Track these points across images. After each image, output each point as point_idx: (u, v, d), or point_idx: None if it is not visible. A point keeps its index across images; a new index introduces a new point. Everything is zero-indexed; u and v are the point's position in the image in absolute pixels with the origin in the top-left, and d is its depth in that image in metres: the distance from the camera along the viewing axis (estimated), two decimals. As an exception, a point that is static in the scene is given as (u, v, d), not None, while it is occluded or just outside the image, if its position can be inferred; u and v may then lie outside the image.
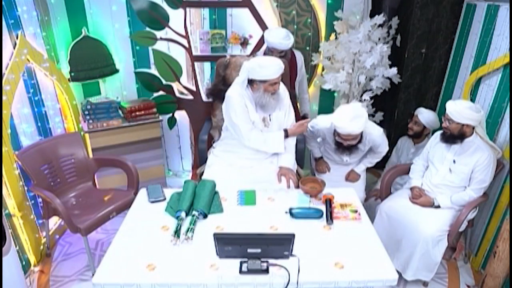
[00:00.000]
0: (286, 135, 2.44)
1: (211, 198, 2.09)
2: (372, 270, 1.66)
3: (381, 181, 2.81)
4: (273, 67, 2.23)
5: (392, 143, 3.38)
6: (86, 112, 2.99)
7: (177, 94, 3.39)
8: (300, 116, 3.28)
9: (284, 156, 2.46)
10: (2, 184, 2.31)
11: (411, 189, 2.56)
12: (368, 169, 2.90)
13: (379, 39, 3.11)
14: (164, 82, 3.30)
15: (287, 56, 2.97)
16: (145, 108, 3.15)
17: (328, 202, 2.04)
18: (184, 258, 1.70)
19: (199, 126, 3.10)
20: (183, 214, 1.95)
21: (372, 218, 2.24)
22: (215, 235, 1.59)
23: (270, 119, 2.43)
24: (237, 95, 2.35)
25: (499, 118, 2.52)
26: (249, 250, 1.61)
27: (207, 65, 3.49)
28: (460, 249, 2.72)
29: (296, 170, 2.58)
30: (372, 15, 3.16)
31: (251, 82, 2.32)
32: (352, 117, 2.36)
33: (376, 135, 2.57)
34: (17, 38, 2.43)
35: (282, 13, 3.30)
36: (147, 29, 3.10)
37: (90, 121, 3.01)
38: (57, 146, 2.72)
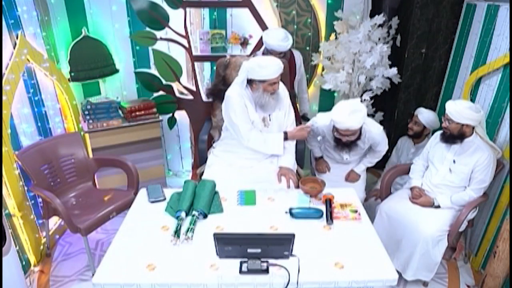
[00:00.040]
0: (286, 137, 2.44)
1: (211, 198, 2.09)
2: (372, 270, 1.66)
3: (381, 181, 2.81)
4: (272, 67, 2.23)
5: (392, 143, 3.38)
6: (86, 112, 2.99)
7: (177, 94, 3.39)
8: (299, 116, 3.29)
9: (284, 156, 2.46)
10: (2, 184, 2.31)
11: (411, 189, 2.56)
12: (368, 169, 2.90)
13: (379, 39, 3.12)
14: (164, 82, 3.30)
15: (287, 56, 2.96)
16: (145, 108, 3.15)
17: (328, 202, 2.04)
18: (184, 258, 1.70)
19: (199, 126, 3.10)
20: (183, 214, 1.95)
21: (372, 218, 2.24)
22: (215, 235, 1.59)
23: (270, 119, 2.42)
24: (236, 95, 2.35)
25: (499, 118, 2.52)
26: (249, 250, 1.61)
27: (207, 65, 3.49)
28: (460, 249, 2.72)
29: (296, 170, 2.57)
30: (372, 15, 3.16)
31: (250, 82, 2.32)
32: (351, 112, 2.35)
33: (376, 132, 2.56)
34: (17, 38, 2.43)
35: (282, 13, 3.30)
36: (147, 29, 3.10)
37: (90, 121, 3.01)
38: (57, 146, 2.72)
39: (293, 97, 3.10)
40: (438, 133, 2.48)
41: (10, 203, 2.42)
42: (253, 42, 3.21)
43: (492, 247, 2.40)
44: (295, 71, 3.18)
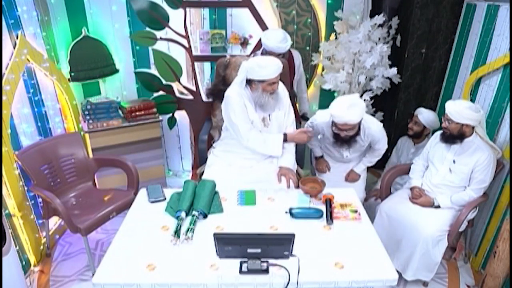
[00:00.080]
0: (285, 139, 2.44)
1: (211, 198, 2.09)
2: (372, 270, 1.66)
3: (381, 181, 2.81)
4: (271, 67, 2.23)
5: (392, 143, 3.38)
6: (86, 112, 2.99)
7: (177, 94, 3.39)
8: (299, 116, 3.28)
9: (284, 156, 2.46)
10: (2, 184, 2.31)
11: (411, 189, 2.56)
12: (368, 169, 2.90)
13: (379, 39, 3.12)
14: (164, 82, 3.30)
15: (286, 56, 2.96)
16: (145, 108, 3.15)
17: (328, 202, 2.04)
18: (184, 258, 1.70)
19: (199, 126, 3.10)
20: (183, 214, 1.95)
21: (372, 218, 2.24)
22: (215, 235, 1.59)
23: (269, 119, 2.42)
24: (236, 95, 2.35)
25: (499, 118, 2.52)
26: (249, 250, 1.61)
27: (207, 65, 3.49)
28: (460, 249, 2.72)
29: (296, 170, 2.57)
30: (372, 15, 3.16)
31: (249, 82, 2.32)
32: (349, 106, 2.34)
33: (375, 129, 2.54)
34: (17, 38, 2.43)
35: (282, 13, 3.30)
36: (147, 29, 3.10)
37: (90, 121, 3.01)
38: (57, 146, 2.72)
39: (293, 97, 3.10)
40: (438, 133, 2.48)
41: (10, 203, 2.42)
42: (253, 42, 3.21)
43: (492, 247, 2.40)
44: (294, 71, 3.18)
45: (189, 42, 3.16)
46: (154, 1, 2.99)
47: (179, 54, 3.26)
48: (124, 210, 2.57)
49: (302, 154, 2.77)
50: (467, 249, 2.78)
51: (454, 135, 2.32)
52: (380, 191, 2.77)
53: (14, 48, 2.41)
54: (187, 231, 1.85)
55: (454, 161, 2.40)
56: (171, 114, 3.48)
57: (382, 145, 2.64)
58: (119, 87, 3.35)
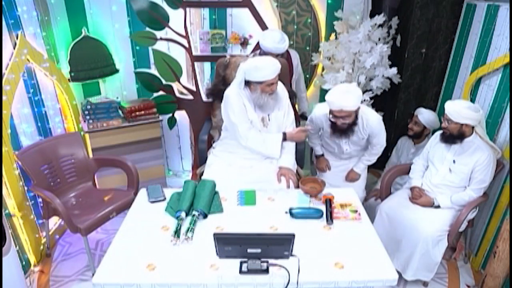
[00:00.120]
0: (285, 138, 2.44)
1: (211, 198, 2.09)
2: (372, 270, 1.66)
3: (381, 181, 2.80)
4: (269, 69, 2.22)
5: (392, 143, 3.38)
6: (86, 112, 2.99)
7: (177, 94, 3.39)
8: (298, 115, 3.28)
9: (284, 156, 2.46)
10: (2, 184, 2.31)
11: (411, 189, 2.56)
12: (368, 169, 2.90)
13: (379, 39, 3.12)
14: (164, 82, 3.30)
15: (284, 56, 2.97)
16: (145, 108, 3.15)
17: (328, 202, 2.04)
18: (184, 258, 1.70)
19: (199, 126, 3.10)
20: (183, 214, 1.95)
21: (372, 218, 2.24)
22: (215, 235, 1.59)
23: (269, 119, 2.42)
24: (235, 95, 2.35)
25: (499, 118, 2.52)
26: (249, 250, 1.61)
27: (207, 65, 3.49)
28: (460, 249, 2.72)
29: (296, 170, 2.57)
30: (372, 15, 3.16)
31: (248, 83, 2.32)
32: (344, 92, 2.34)
33: (374, 120, 2.52)
34: (17, 38, 2.43)
35: (282, 13, 3.30)
36: (147, 29, 3.10)
37: (90, 121, 3.01)
38: (57, 146, 2.72)
39: (293, 97, 3.10)
40: (438, 133, 2.48)
41: (10, 203, 2.42)
42: (253, 42, 3.21)
43: (492, 247, 2.40)
44: (292, 71, 3.18)
45: (189, 42, 3.16)
46: (154, 1, 2.99)
47: (179, 54, 3.26)
48: (124, 210, 2.57)
49: (302, 154, 2.77)
50: (467, 249, 2.78)
51: (454, 135, 2.32)
52: (380, 191, 2.77)
53: (14, 48, 2.41)
54: (187, 231, 1.85)
55: (454, 161, 2.40)
56: (171, 114, 3.48)
57: (380, 140, 2.60)
58: (119, 87, 3.35)
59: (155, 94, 3.35)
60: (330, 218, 1.95)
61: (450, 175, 2.42)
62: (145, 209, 2.09)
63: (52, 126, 2.87)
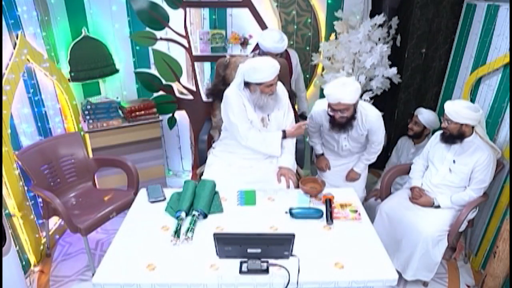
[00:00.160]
0: (284, 136, 2.44)
1: (211, 198, 2.09)
2: (372, 270, 1.66)
3: (381, 181, 2.80)
4: (268, 70, 2.21)
5: (392, 143, 3.38)
6: (86, 112, 2.99)
7: (177, 94, 3.39)
8: (298, 115, 3.28)
9: (284, 156, 2.46)
10: (2, 184, 2.31)
11: (411, 189, 2.56)
12: (368, 169, 2.90)
13: (379, 39, 3.12)
14: (164, 82, 3.30)
15: (283, 56, 2.97)
16: (145, 108, 3.15)
17: (328, 202, 2.04)
18: (184, 258, 1.70)
19: (199, 126, 3.10)
20: (183, 214, 1.95)
21: (372, 218, 2.24)
22: (215, 235, 1.59)
23: (268, 119, 2.42)
24: (234, 95, 2.35)
25: (499, 118, 2.52)
26: (249, 250, 1.61)
27: (207, 65, 3.49)
28: (460, 249, 2.72)
29: (296, 170, 2.57)
30: (372, 15, 3.16)
31: (247, 84, 2.32)
32: (342, 84, 2.34)
33: (373, 115, 2.52)
34: (17, 38, 2.43)
35: (282, 13, 3.30)
36: (147, 29, 3.10)
37: (90, 121, 3.01)
38: (57, 146, 2.72)
39: (293, 97, 3.10)
40: (438, 133, 2.48)
41: (10, 203, 2.42)
42: (253, 42, 3.21)
43: (492, 247, 2.40)
44: (291, 70, 3.18)
45: (189, 42, 3.16)
46: (154, 1, 2.99)
47: (179, 54, 3.26)
48: (124, 210, 2.57)
49: (302, 154, 2.77)
50: (467, 249, 2.78)
51: (454, 135, 2.33)
52: (380, 191, 2.77)
53: (14, 48, 2.41)
54: (187, 231, 1.85)
55: (454, 161, 2.40)
56: (171, 114, 3.47)
57: (379, 137, 2.59)
58: (119, 87, 3.35)
59: (155, 94, 3.35)
60: (330, 218, 1.95)
61: (450, 175, 2.42)
62: (145, 209, 2.09)
63: (52, 126, 2.87)
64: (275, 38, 2.81)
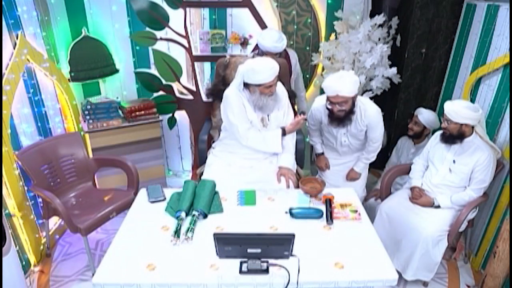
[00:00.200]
0: (284, 133, 2.44)
1: (211, 198, 2.09)
2: (372, 270, 1.66)
3: (381, 181, 2.80)
4: (267, 72, 2.21)
5: (392, 143, 3.38)
6: (86, 112, 2.99)
7: (177, 94, 3.39)
8: (297, 115, 3.28)
9: (284, 156, 2.46)
10: (2, 184, 2.31)
11: (411, 189, 2.56)
12: (368, 169, 2.89)
13: (379, 39, 3.12)
14: (164, 82, 3.30)
15: (282, 55, 2.97)
16: (145, 108, 3.15)
17: (328, 202, 2.04)
18: (184, 258, 1.70)
19: (199, 126, 3.10)
20: (183, 214, 1.95)
21: (372, 218, 2.24)
22: (215, 235, 1.59)
23: (268, 119, 2.42)
24: (234, 95, 2.35)
25: (499, 118, 2.52)
26: (249, 250, 1.61)
27: (207, 65, 3.49)
28: (460, 249, 2.72)
29: (296, 170, 2.57)
30: (372, 15, 3.16)
31: (247, 85, 2.32)
32: (339, 77, 2.34)
33: (372, 110, 2.51)
34: (17, 38, 2.43)
35: (282, 13, 3.30)
36: (147, 29, 3.10)
37: (90, 121, 3.01)
38: (57, 146, 2.72)
39: (293, 97, 3.10)
40: (438, 133, 2.48)
41: (10, 203, 2.42)
42: (253, 42, 3.21)
43: (492, 247, 2.40)
44: (291, 70, 3.18)
45: (189, 42, 3.16)
46: (154, 1, 2.99)
47: (179, 54, 3.26)
48: (124, 210, 2.57)
49: (302, 154, 2.77)
50: (467, 249, 2.78)
51: (454, 135, 2.33)
52: (380, 191, 2.77)
53: (14, 48, 2.41)
54: (187, 231, 1.85)
55: (454, 161, 2.40)
56: (171, 114, 3.47)
57: (378, 134, 2.58)
58: (119, 87, 3.35)
59: (155, 94, 3.35)
60: (330, 218, 1.95)
61: (450, 175, 2.42)
62: (145, 209, 2.09)
63: (52, 126, 2.87)
64: (274, 38, 2.82)
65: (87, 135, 3.03)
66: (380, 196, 2.77)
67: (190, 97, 3.38)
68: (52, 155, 2.66)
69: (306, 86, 3.54)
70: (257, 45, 3.12)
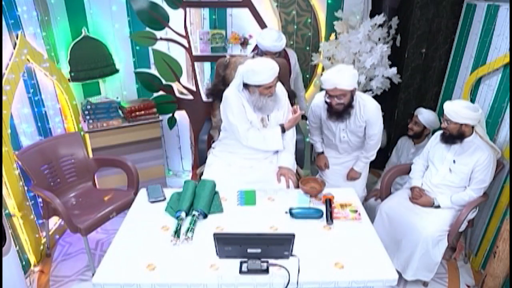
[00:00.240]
0: (283, 130, 2.44)
1: (211, 198, 2.09)
2: (372, 270, 1.66)
3: (381, 181, 2.80)
4: (267, 73, 2.21)
5: (392, 143, 3.38)
6: (86, 112, 2.99)
7: (177, 94, 3.39)
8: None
9: (284, 156, 2.46)
10: (2, 184, 2.31)
11: (411, 189, 2.56)
12: (369, 169, 2.89)
13: (379, 39, 3.12)
14: (164, 82, 3.30)
15: (282, 55, 2.98)
16: (145, 108, 3.15)
17: (328, 202, 2.04)
18: (184, 258, 1.70)
19: (199, 126, 3.10)
20: (183, 214, 1.95)
21: (372, 218, 2.24)
22: (215, 235, 1.59)
23: (268, 119, 2.42)
24: (234, 95, 2.35)
25: (499, 118, 2.52)
26: (249, 250, 1.61)
27: (207, 65, 3.49)
28: (460, 249, 2.72)
29: (296, 170, 2.57)
30: (372, 15, 3.16)
31: (246, 85, 2.32)
32: (338, 70, 2.35)
33: (371, 105, 2.50)
34: (17, 38, 2.43)
35: (282, 13, 3.30)
36: (147, 29, 3.10)
37: (90, 121, 3.01)
38: (57, 146, 2.72)
39: (293, 97, 3.10)
40: (438, 133, 2.48)
41: (10, 203, 2.42)
42: (253, 42, 3.21)
43: (492, 247, 2.40)
44: (290, 70, 3.18)
45: (189, 42, 3.16)
46: (154, 1, 2.99)
47: (179, 54, 3.26)
48: (124, 210, 2.57)
49: (302, 154, 2.77)
50: (467, 249, 2.78)
51: (454, 135, 2.33)
52: (380, 191, 2.77)
53: (14, 48, 2.41)
54: (187, 231, 1.85)
55: (454, 161, 2.40)
56: (171, 114, 3.47)
57: (377, 131, 2.56)
58: (119, 87, 3.35)
59: (155, 94, 3.35)
60: (330, 218, 1.95)
61: (450, 175, 2.42)
62: (145, 209, 2.09)
63: (52, 126, 2.87)
64: (273, 37, 2.83)
65: (87, 135, 3.03)
66: (380, 196, 2.77)
67: (190, 97, 3.38)
68: (52, 155, 2.66)
69: (306, 86, 3.54)
70: (257, 45, 3.13)
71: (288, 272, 1.59)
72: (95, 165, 2.89)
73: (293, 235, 1.57)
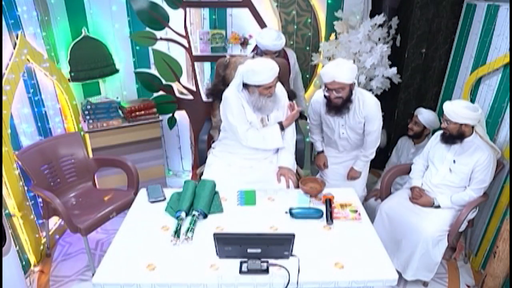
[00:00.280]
0: (282, 127, 2.44)
1: (211, 198, 2.09)
2: (372, 270, 1.66)
3: (381, 181, 2.80)
4: (266, 73, 2.21)
5: (392, 143, 3.38)
6: (86, 112, 2.99)
7: (177, 94, 3.39)
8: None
9: (284, 156, 2.46)
10: (2, 184, 2.31)
11: (411, 189, 2.56)
12: (369, 169, 2.89)
13: (379, 39, 3.12)
14: (164, 82, 3.30)
15: (281, 55, 2.98)
16: (145, 108, 3.15)
17: (328, 202, 2.04)
18: (184, 258, 1.70)
19: (199, 126, 3.10)
20: (183, 214, 1.95)
21: (372, 218, 2.24)
22: (215, 235, 1.59)
23: (268, 119, 2.43)
24: (233, 96, 2.35)
25: (499, 118, 2.52)
26: (249, 250, 1.61)
27: (207, 65, 3.49)
28: (460, 249, 2.72)
29: (296, 170, 2.57)
30: (372, 15, 3.16)
31: (246, 85, 2.32)
32: (337, 63, 2.35)
33: (370, 101, 2.50)
34: (17, 38, 2.43)
35: (282, 13, 3.30)
36: (147, 29, 3.10)
37: (90, 121, 3.01)
38: (57, 146, 2.72)
39: (293, 97, 3.10)
40: (438, 133, 2.48)
41: (10, 203, 2.42)
42: (253, 42, 3.21)
43: (492, 247, 2.40)
44: (290, 70, 3.18)
45: (189, 42, 3.16)
46: (154, 1, 2.99)
47: (179, 54, 3.26)
48: (124, 210, 2.57)
49: (302, 154, 2.77)
50: (467, 249, 2.78)
51: (454, 135, 2.33)
52: (380, 191, 2.77)
53: (14, 48, 2.41)
54: (187, 231, 1.85)
55: (454, 161, 2.40)
56: (171, 114, 3.48)
57: (376, 127, 2.54)
58: (119, 87, 3.35)
59: (155, 94, 3.35)
60: (330, 218, 1.95)
61: (450, 175, 2.42)
62: (145, 209, 2.09)
63: (52, 126, 2.87)
64: (272, 36, 2.84)
65: (87, 135, 3.03)
66: (380, 196, 2.77)
67: (190, 97, 3.38)
68: (52, 155, 2.66)
69: (306, 86, 3.54)
70: (257, 45, 3.13)
71: (288, 272, 1.59)
72: (95, 165, 2.89)
73: (293, 235, 1.57)
